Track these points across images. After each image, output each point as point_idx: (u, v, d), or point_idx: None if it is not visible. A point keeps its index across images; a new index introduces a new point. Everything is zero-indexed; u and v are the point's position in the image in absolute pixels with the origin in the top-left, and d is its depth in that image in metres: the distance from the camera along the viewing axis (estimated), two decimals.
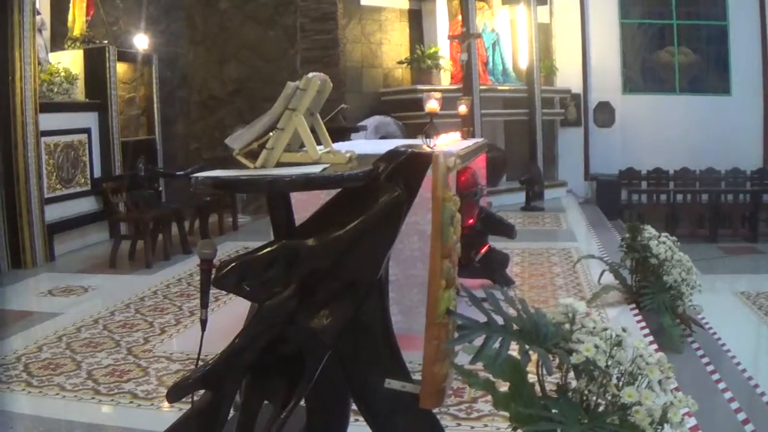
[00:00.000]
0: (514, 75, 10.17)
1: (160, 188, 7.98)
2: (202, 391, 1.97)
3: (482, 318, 1.83)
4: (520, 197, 9.23)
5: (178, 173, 7.64)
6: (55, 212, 6.52)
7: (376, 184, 1.91)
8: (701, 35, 10.90)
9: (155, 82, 8.28)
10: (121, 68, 7.73)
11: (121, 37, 8.31)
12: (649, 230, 4.52)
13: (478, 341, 1.79)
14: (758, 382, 3.78)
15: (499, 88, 9.80)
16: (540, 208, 9.03)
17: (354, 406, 2.14)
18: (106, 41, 7.54)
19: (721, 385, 3.44)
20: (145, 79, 8.27)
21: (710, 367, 3.70)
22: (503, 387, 1.87)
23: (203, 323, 2.07)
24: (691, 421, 2.61)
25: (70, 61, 7.21)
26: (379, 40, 9.71)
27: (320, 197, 2.17)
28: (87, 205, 7.05)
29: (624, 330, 1.82)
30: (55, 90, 6.78)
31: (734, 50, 10.70)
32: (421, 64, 9.29)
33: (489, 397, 2.27)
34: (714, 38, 10.82)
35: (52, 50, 7.17)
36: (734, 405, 3.17)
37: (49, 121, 6.44)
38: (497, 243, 5.28)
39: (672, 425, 1.72)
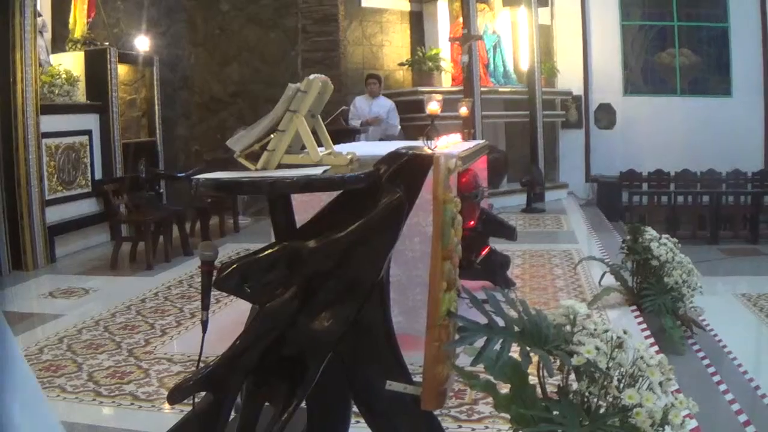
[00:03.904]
0: (515, 77, 10.17)
1: (161, 190, 7.99)
2: (203, 393, 1.97)
3: (483, 320, 1.83)
4: (521, 199, 9.23)
5: (179, 175, 7.65)
6: (56, 214, 6.53)
7: (377, 186, 1.91)
8: (702, 37, 10.90)
9: (156, 84, 8.28)
10: (122, 70, 7.74)
11: (122, 39, 8.31)
12: (650, 232, 4.51)
13: (479, 343, 1.79)
14: (759, 384, 3.78)
15: (500, 89, 9.80)
16: (541, 209, 9.03)
17: (355, 408, 2.15)
18: (107, 43, 7.56)
19: (722, 387, 3.43)
20: (146, 81, 8.27)
21: (711, 369, 3.70)
22: (504, 389, 1.87)
23: (204, 325, 2.07)
24: (692, 423, 2.61)
25: (71, 62, 7.22)
26: (380, 42, 9.72)
27: (321, 199, 2.18)
28: (88, 206, 7.06)
29: (625, 332, 1.82)
30: (56, 92, 6.79)
31: (735, 52, 10.70)
32: (422, 66, 9.29)
33: (490, 399, 2.27)
34: (715, 40, 10.82)
35: (53, 52, 7.18)
36: (735, 407, 3.17)
37: (50, 122, 6.45)
38: (498, 245, 5.28)
39: (673, 427, 1.72)
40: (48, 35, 7.16)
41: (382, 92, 8.58)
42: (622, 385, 1.76)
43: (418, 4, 9.96)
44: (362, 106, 8.29)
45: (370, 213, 1.89)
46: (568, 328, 1.84)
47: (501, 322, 1.84)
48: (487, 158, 5.83)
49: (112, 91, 7.26)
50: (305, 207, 2.35)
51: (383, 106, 8.33)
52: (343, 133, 6.58)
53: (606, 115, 10.96)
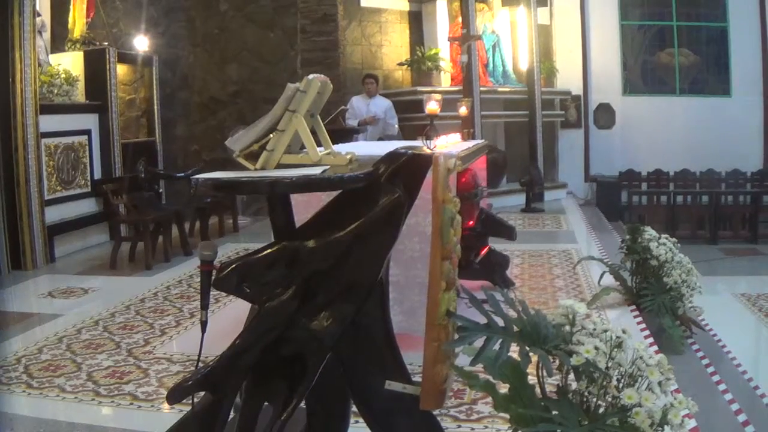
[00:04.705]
0: (515, 77, 10.17)
1: (161, 190, 7.98)
2: (202, 393, 1.97)
3: (482, 319, 1.83)
4: (521, 199, 9.23)
5: (178, 175, 7.65)
6: (55, 214, 6.52)
7: (377, 186, 1.91)
8: (701, 37, 10.91)
9: (155, 84, 8.28)
10: (122, 70, 7.73)
11: (121, 39, 8.31)
12: (650, 232, 4.51)
13: (479, 343, 1.79)
14: (758, 384, 3.78)
15: (500, 89, 9.81)
16: (540, 209, 9.04)
17: (354, 408, 2.15)
18: (106, 43, 7.55)
19: (722, 387, 3.43)
20: (146, 81, 8.27)
21: (710, 369, 3.70)
22: (503, 388, 1.87)
23: (203, 325, 2.07)
24: (692, 423, 2.61)
25: (71, 62, 7.21)
26: (379, 42, 9.72)
27: (321, 198, 2.18)
28: (87, 206, 7.06)
29: (624, 331, 1.82)
30: (56, 92, 6.78)
31: (734, 52, 10.71)
32: (421, 65, 9.29)
33: (489, 399, 2.27)
34: (714, 39, 10.83)
35: (52, 52, 7.18)
36: (734, 406, 3.17)
37: (50, 122, 6.44)
38: (497, 244, 5.28)
39: (672, 427, 1.72)
40: (47, 35, 7.15)
41: (381, 92, 8.59)
42: (621, 384, 1.76)
43: (417, 4, 9.96)
44: (359, 106, 8.30)
45: (369, 213, 1.89)
46: (567, 327, 1.84)
47: (500, 322, 1.84)
48: (486, 158, 5.83)
49: (111, 90, 7.26)
50: (305, 207, 2.35)
51: (380, 105, 8.33)
52: (341, 133, 6.57)
53: (605, 115, 10.97)
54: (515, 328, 1.84)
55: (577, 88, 10.84)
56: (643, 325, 4.12)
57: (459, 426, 2.88)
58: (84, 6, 7.39)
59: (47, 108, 6.43)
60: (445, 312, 1.85)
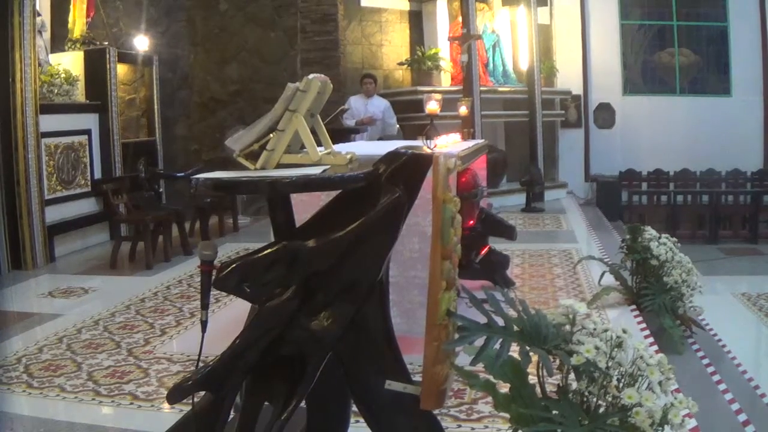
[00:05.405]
0: (515, 76, 10.17)
1: (161, 190, 7.98)
2: (202, 393, 1.97)
3: (483, 319, 1.83)
4: (521, 198, 9.23)
5: (178, 174, 7.65)
6: (55, 213, 6.52)
7: (377, 186, 1.91)
8: (701, 36, 10.91)
9: (156, 84, 8.28)
10: (122, 69, 7.73)
11: (121, 39, 8.31)
12: (650, 231, 4.51)
13: (479, 342, 1.79)
14: (759, 383, 3.78)
15: (500, 89, 9.80)
16: (540, 209, 9.03)
17: (354, 407, 2.14)
18: (106, 42, 7.55)
19: (722, 387, 3.43)
20: (146, 81, 8.27)
21: (711, 369, 3.70)
22: (504, 388, 1.87)
23: (204, 324, 2.07)
24: (692, 423, 2.61)
25: (71, 62, 7.21)
26: (379, 42, 9.72)
27: (321, 198, 2.18)
28: (87, 206, 7.06)
29: (624, 331, 1.82)
30: (56, 91, 6.78)
31: (734, 51, 10.72)
32: (421, 65, 9.29)
33: (489, 399, 2.27)
34: (714, 39, 10.84)
35: (52, 52, 7.18)
36: (735, 406, 3.17)
37: (50, 122, 6.44)
38: (497, 244, 5.28)
39: (672, 426, 1.72)
40: (47, 35, 7.15)
41: (381, 92, 8.58)
42: (621, 384, 1.76)
43: (418, 4, 9.96)
44: (357, 106, 8.30)
45: (369, 213, 1.89)
46: (567, 327, 1.84)
47: (500, 322, 1.84)
48: (486, 158, 5.83)
49: (111, 90, 7.26)
50: (305, 206, 2.35)
51: (378, 106, 8.33)
52: (339, 133, 6.56)
53: (605, 115, 10.97)
54: (515, 328, 1.84)
55: (577, 88, 10.84)
56: (643, 325, 4.12)
57: (459, 426, 2.88)
58: (84, 6, 7.38)
59: (47, 108, 6.43)
60: (446, 312, 1.85)
